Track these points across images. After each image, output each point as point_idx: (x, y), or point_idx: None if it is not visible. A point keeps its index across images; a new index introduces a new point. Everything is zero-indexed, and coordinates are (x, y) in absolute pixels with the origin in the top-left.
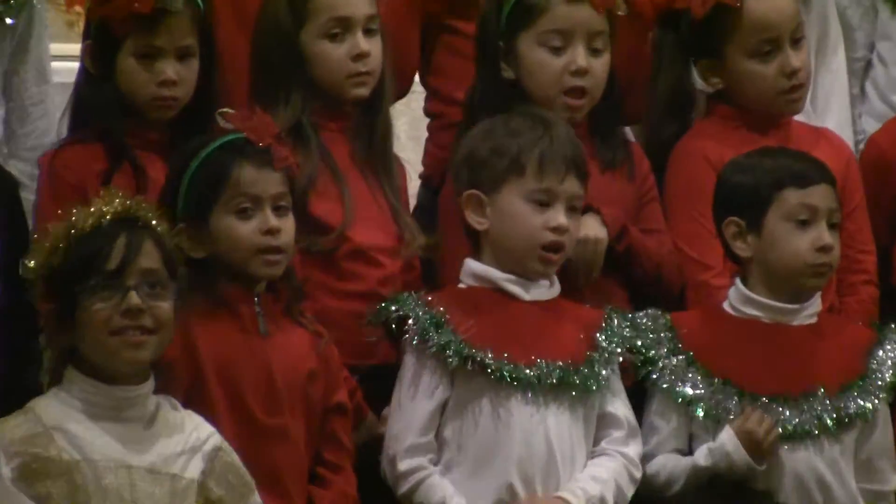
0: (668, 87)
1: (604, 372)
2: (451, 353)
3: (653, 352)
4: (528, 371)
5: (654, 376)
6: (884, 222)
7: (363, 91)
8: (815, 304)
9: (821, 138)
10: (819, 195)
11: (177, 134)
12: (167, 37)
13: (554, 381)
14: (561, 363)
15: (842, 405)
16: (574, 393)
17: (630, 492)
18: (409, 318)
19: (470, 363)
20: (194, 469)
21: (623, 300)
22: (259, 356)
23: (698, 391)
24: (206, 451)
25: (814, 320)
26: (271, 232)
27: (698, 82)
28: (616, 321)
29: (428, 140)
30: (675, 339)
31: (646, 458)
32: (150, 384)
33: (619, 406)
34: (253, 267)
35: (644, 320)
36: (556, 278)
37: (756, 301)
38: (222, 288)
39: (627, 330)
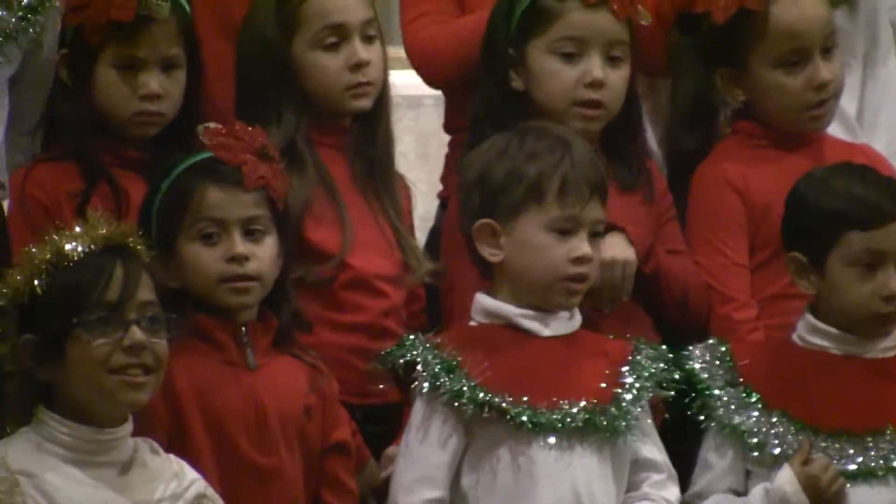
0: (688, 96)
1: (633, 410)
2: (465, 401)
3: (708, 384)
4: (550, 415)
5: (709, 409)
6: None
7: (365, 103)
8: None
9: (857, 155)
10: (888, 237)
11: (159, 152)
12: (151, 46)
13: (580, 423)
14: (585, 404)
15: None
16: (601, 435)
17: None
18: (418, 363)
19: (486, 409)
20: None
21: (648, 327)
22: (247, 390)
23: (753, 423)
24: (187, 499)
25: (892, 353)
26: (236, 259)
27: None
28: (644, 354)
29: (448, 156)
30: (733, 371)
31: (699, 498)
32: (129, 426)
33: (654, 449)
34: (219, 297)
35: (699, 351)
36: (577, 309)
37: (824, 331)
38: (199, 319)
39: (657, 364)
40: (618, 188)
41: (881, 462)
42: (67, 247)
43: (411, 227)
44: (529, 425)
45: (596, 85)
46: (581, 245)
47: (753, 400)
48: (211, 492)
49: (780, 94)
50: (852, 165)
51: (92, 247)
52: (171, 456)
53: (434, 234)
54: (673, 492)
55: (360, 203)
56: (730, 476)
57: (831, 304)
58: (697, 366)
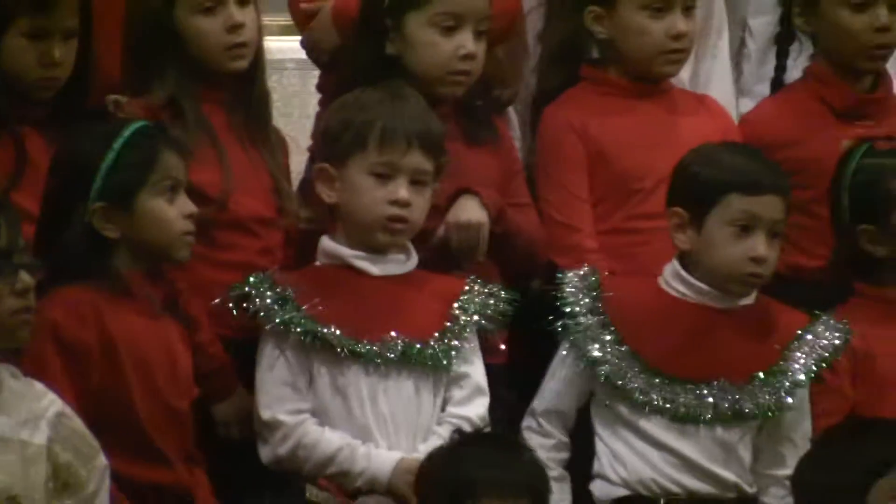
0: (559, 35)
1: (456, 343)
2: (292, 327)
3: (573, 309)
4: (370, 346)
5: (569, 333)
6: None
7: (241, 63)
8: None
9: (701, 106)
10: (764, 205)
11: (54, 112)
12: (58, 17)
13: (397, 356)
14: (406, 338)
15: (740, 398)
16: (421, 367)
17: None
18: (252, 295)
19: (312, 338)
20: (41, 435)
21: (497, 278)
22: (163, 339)
23: (605, 355)
24: (48, 418)
25: (748, 302)
26: (192, 216)
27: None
28: (474, 291)
29: (318, 114)
30: (597, 300)
31: (536, 414)
32: None
33: (469, 367)
34: (178, 249)
35: (570, 276)
36: (412, 249)
37: (685, 279)
38: (125, 272)
39: (486, 299)
40: (467, 145)
41: (710, 410)
42: None
43: (288, 176)
44: (347, 353)
45: (469, 57)
46: (398, 189)
47: (610, 331)
48: (68, 410)
49: (640, 36)
50: (738, 144)
51: None
52: (30, 379)
53: (303, 184)
54: (474, 408)
55: (239, 150)
56: (570, 387)
57: (702, 259)
58: (567, 289)
